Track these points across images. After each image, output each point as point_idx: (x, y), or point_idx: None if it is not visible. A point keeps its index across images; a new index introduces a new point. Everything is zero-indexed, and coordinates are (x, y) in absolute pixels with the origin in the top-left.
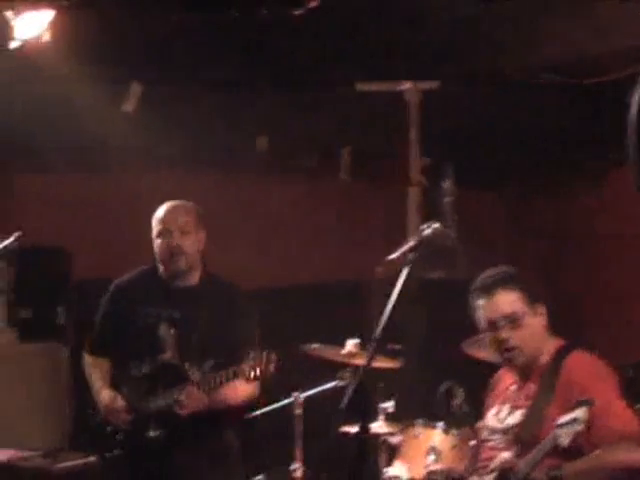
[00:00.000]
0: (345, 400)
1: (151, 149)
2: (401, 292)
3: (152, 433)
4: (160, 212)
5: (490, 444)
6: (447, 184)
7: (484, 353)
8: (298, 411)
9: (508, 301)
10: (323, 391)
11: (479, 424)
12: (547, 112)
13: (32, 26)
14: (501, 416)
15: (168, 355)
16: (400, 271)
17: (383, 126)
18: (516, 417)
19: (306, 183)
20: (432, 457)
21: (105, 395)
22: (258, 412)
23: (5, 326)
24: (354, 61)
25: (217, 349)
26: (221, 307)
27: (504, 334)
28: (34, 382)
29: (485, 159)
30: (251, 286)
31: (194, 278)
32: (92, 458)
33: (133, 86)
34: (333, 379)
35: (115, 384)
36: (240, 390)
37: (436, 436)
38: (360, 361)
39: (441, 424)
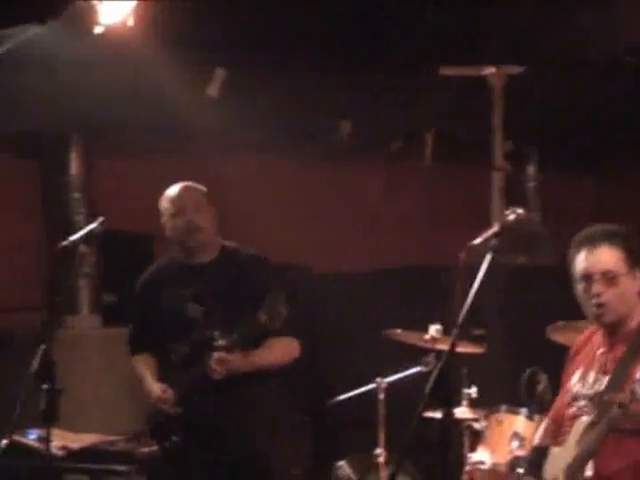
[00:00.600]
0: (428, 385)
1: (235, 133)
2: (484, 278)
3: (199, 405)
4: (170, 193)
5: (573, 410)
6: (531, 169)
7: (568, 338)
8: (381, 396)
9: (609, 257)
10: (406, 376)
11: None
12: (633, 95)
13: (116, 11)
14: (588, 380)
15: (200, 331)
16: (483, 257)
17: (467, 111)
18: (603, 383)
19: (390, 168)
20: (516, 443)
21: (155, 387)
22: (341, 397)
23: (90, 311)
24: (439, 45)
25: (242, 317)
26: (240, 278)
27: (597, 288)
28: (118, 367)
29: (571, 143)
30: (334, 271)
31: (212, 253)
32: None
33: (217, 71)
34: (416, 364)
35: (162, 377)
36: (279, 348)
37: (520, 422)
38: (443, 346)
39: (525, 410)
